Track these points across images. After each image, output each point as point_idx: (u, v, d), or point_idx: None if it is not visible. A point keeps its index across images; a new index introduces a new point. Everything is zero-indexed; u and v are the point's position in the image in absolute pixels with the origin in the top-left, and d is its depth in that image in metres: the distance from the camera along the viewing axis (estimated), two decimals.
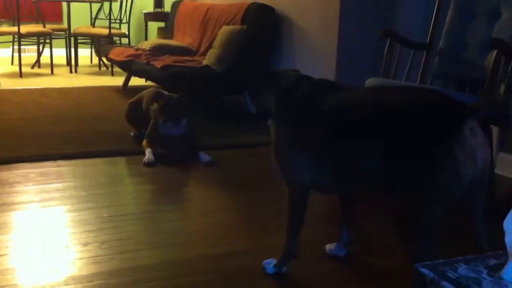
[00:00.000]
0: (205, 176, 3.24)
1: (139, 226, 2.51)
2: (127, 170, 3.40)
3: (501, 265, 1.25)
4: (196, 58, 5.18)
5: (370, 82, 3.12)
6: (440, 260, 1.25)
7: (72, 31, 7.14)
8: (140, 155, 3.45)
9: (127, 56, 5.36)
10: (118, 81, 6.10)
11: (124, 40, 7.65)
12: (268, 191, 3.01)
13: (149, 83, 5.70)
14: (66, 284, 1.92)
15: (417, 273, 1.21)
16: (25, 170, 3.17)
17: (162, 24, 7.48)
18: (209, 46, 5.11)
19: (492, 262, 1.28)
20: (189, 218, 2.64)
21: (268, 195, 2.95)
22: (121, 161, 3.47)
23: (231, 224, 2.56)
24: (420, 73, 3.37)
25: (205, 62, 4.88)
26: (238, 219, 2.64)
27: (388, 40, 3.27)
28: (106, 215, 2.55)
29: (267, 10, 4.82)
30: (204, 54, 5.17)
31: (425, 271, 1.21)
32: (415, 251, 1.55)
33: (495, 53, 2.68)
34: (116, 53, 5.63)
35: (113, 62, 5.97)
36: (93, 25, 7.58)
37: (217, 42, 4.91)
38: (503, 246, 1.25)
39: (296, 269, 2.07)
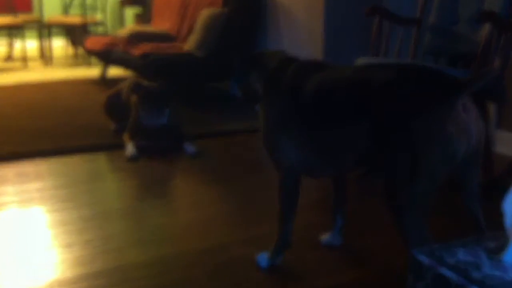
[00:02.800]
0: (190, 168, 3.24)
1: (123, 223, 2.50)
2: (108, 165, 3.38)
3: (501, 247, 1.25)
4: (177, 44, 5.15)
5: (359, 61, 3.12)
6: (436, 245, 1.25)
7: (44, 21, 7.06)
8: (120, 149, 3.43)
9: (103, 45, 5.32)
10: (95, 72, 6.04)
11: (101, 29, 7.58)
12: (256, 180, 3.01)
13: (128, 72, 5.66)
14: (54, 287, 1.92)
15: (413, 259, 1.21)
16: (1, 170, 3.14)
17: (139, 10, 7.41)
18: (190, 31, 5.08)
19: (491, 244, 1.28)
20: (175, 212, 2.64)
21: (256, 184, 2.95)
22: (101, 156, 3.45)
23: (219, 216, 2.56)
24: (411, 50, 3.36)
25: (185, 48, 4.85)
26: (226, 210, 2.64)
27: (377, 17, 3.26)
28: (88, 214, 2.54)
29: None
30: (184, 39, 5.13)
31: (421, 257, 1.21)
32: (405, 230, 1.56)
33: (487, 26, 2.69)
34: (92, 42, 5.58)
35: (90, 52, 5.91)
36: (66, 13, 7.49)
37: (197, 27, 4.88)
38: (502, 224, 1.26)
39: (288, 258, 2.08)
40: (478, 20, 2.79)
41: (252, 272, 2.02)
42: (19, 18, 6.89)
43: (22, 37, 6.92)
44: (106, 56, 5.31)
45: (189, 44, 4.84)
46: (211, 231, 2.38)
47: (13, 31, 7.11)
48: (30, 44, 7.34)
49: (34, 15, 7.45)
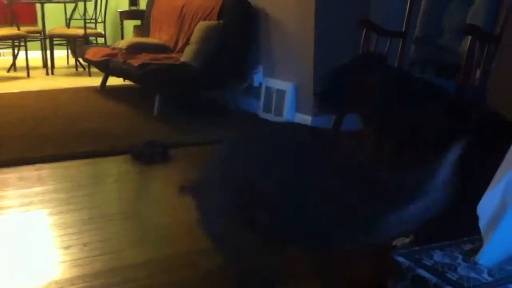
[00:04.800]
0: (190, 172, 3.25)
1: (122, 226, 2.51)
2: (108, 170, 3.39)
3: (476, 250, 1.27)
4: (173, 55, 5.17)
5: None
6: (415, 248, 1.27)
7: (47, 32, 7.07)
8: (120, 154, 3.45)
9: (103, 56, 5.33)
10: (95, 81, 6.05)
11: (100, 40, 7.59)
12: None
13: (128, 82, 5.68)
14: None
15: (392, 261, 1.23)
16: (3, 175, 3.15)
17: (138, 22, 7.44)
18: (186, 43, 5.10)
19: (468, 247, 1.31)
20: (173, 214, 2.65)
21: None
22: (101, 161, 3.46)
23: None
24: (397, 61, 3.40)
25: (182, 59, 4.87)
26: None
27: (364, 30, 3.30)
28: (87, 217, 2.55)
29: (243, 4, 4.81)
30: (181, 50, 5.16)
31: (400, 259, 1.23)
32: None
33: (470, 39, 2.73)
34: (93, 53, 5.60)
35: (90, 62, 5.93)
36: (68, 25, 7.51)
37: (194, 38, 4.90)
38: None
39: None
40: (462, 33, 2.84)
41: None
42: (23, 30, 6.90)
43: (26, 48, 6.92)
44: (106, 66, 5.32)
45: (186, 55, 4.87)
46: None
47: (17, 42, 7.12)
48: (33, 55, 7.34)
49: (38, 27, 7.46)
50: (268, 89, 4.63)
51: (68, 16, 7.54)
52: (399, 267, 1.24)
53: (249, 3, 4.81)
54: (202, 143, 3.82)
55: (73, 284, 1.95)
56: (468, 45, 2.71)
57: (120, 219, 2.58)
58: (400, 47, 3.39)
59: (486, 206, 1.24)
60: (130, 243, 2.31)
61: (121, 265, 2.10)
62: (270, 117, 4.55)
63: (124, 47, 5.31)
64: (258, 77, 4.81)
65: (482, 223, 1.25)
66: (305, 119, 4.22)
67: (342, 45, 4.12)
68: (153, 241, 2.34)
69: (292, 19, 4.35)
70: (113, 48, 5.51)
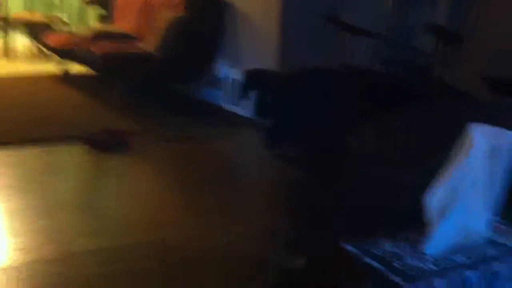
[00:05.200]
0: (149, 166, 3.20)
1: (75, 215, 2.45)
2: (62, 158, 3.31)
3: (423, 240, 1.28)
4: (138, 44, 5.09)
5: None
6: (365, 238, 1.27)
7: (8, 17, 6.90)
8: (76, 143, 3.37)
9: (65, 43, 5.22)
10: (57, 69, 5.92)
11: (63, 26, 7.44)
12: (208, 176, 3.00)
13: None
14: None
15: (341, 250, 1.23)
16: None
17: (102, 11, 7.31)
18: (151, 33, 5.03)
19: (416, 237, 1.30)
20: (129, 206, 2.61)
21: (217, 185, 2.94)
22: (56, 150, 3.36)
23: (175, 210, 2.54)
24: (371, 60, 3.39)
25: (146, 48, 4.80)
26: (183, 205, 2.62)
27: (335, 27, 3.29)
28: (39, 205, 2.49)
29: None
30: (145, 40, 5.08)
31: (349, 248, 1.23)
32: None
33: (434, 38, 2.77)
34: (55, 40, 5.47)
35: (51, 49, 5.79)
36: (29, 10, 7.33)
37: (158, 29, 4.84)
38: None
39: None
40: (429, 32, 2.88)
41: (201, 271, 2.00)
42: None
43: None
44: (67, 54, 5.21)
45: (150, 45, 4.80)
46: (165, 225, 2.35)
47: None
48: None
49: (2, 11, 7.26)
50: (233, 80, 4.60)
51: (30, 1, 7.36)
52: (347, 255, 1.24)
53: None
54: (163, 134, 3.78)
55: (19, 271, 1.90)
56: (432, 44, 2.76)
57: (74, 209, 2.52)
58: (372, 46, 3.38)
59: (435, 197, 1.25)
60: (84, 232, 2.26)
61: (72, 251, 2.05)
62: (234, 108, 4.52)
63: (87, 35, 5.21)
64: (222, 69, 4.78)
65: (429, 214, 1.25)
66: None
67: (308, 43, 4.11)
68: (107, 232, 2.29)
69: (258, 12, 4.33)
70: (76, 35, 5.41)
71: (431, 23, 3.06)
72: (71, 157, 3.27)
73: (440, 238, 1.24)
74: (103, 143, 3.36)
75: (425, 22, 3.18)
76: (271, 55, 4.17)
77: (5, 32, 7.01)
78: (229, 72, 4.69)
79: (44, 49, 6.72)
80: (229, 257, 2.06)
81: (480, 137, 1.23)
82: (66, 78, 5.59)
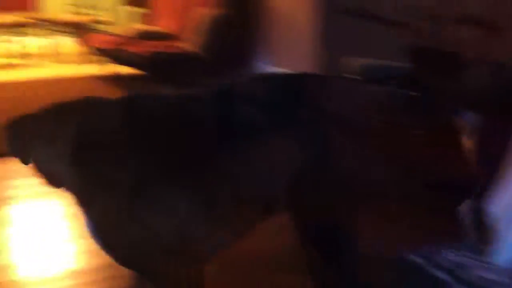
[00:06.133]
0: None
1: None
2: None
3: (488, 250, 1.28)
4: (178, 43, 5.16)
5: (344, 62, 3.14)
6: (428, 247, 1.28)
7: (54, 19, 7.05)
8: None
9: (109, 43, 5.32)
10: (103, 70, 6.03)
11: (106, 27, 7.56)
12: None
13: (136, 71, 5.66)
14: (69, 278, 1.95)
15: (403, 260, 1.24)
16: (18, 164, 3.15)
17: (144, 10, 7.40)
18: (191, 31, 5.09)
19: (480, 247, 1.31)
20: None
21: None
22: None
23: None
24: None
25: (186, 47, 4.87)
26: None
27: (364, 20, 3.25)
28: None
29: None
30: (185, 39, 5.15)
31: (413, 257, 1.25)
32: None
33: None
34: (98, 41, 5.58)
35: (96, 49, 5.90)
36: (73, 12, 7.48)
37: (199, 27, 4.90)
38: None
39: None
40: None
41: None
42: (29, 16, 6.88)
43: (33, 34, 6.91)
44: (111, 54, 5.31)
45: (190, 44, 4.87)
46: None
47: (23, 29, 7.10)
48: (39, 42, 7.31)
49: (41, 13, 7.43)
50: None
51: (72, 2, 7.51)
52: (410, 265, 1.26)
53: None
54: None
55: (88, 275, 1.97)
56: None
57: None
58: None
59: (501, 203, 1.23)
60: None
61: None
62: None
63: (129, 35, 5.30)
64: (261, 66, 4.81)
65: (493, 221, 1.25)
66: None
67: (347, 35, 4.09)
68: None
69: (297, 9, 4.34)
70: (119, 36, 5.50)
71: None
72: None
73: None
74: None
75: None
76: (310, 53, 4.17)
77: (51, 33, 7.18)
78: (267, 68, 4.72)
79: (89, 50, 6.86)
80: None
81: None
82: (115, 78, 5.68)
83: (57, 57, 6.96)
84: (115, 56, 5.25)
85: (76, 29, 7.48)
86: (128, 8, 7.39)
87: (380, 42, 3.29)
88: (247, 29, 4.85)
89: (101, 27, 7.52)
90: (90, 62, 6.86)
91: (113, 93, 3.84)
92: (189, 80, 4.86)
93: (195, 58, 4.69)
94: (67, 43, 7.74)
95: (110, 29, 7.48)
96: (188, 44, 4.96)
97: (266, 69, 4.74)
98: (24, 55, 6.97)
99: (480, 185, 2.52)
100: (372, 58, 3.30)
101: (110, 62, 5.71)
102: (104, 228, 1.41)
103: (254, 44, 4.88)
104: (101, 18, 7.26)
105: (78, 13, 7.30)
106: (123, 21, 7.69)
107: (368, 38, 3.31)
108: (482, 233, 1.29)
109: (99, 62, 6.60)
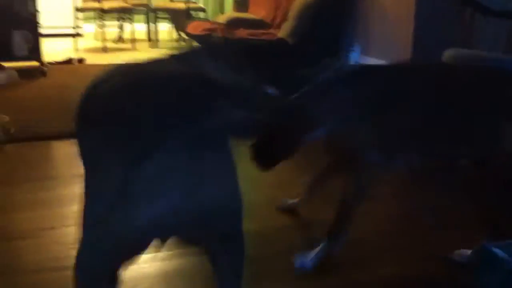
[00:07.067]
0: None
1: None
2: None
3: None
4: (271, 30, 5.17)
5: (449, 53, 3.01)
6: (510, 241, 1.20)
7: (151, 5, 7.29)
8: None
9: (203, 30, 5.42)
10: None
11: (201, 14, 7.73)
12: None
13: None
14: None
15: (484, 252, 1.17)
16: None
17: None
18: (284, 18, 5.08)
19: None
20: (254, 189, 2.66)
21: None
22: None
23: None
24: (503, 44, 3.20)
25: (279, 34, 4.85)
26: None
27: (468, 10, 3.12)
28: None
29: None
30: (278, 26, 5.14)
31: (496, 250, 1.17)
32: None
33: None
34: (193, 27, 5.70)
35: (190, 36, 6.05)
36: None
37: (291, 15, 4.87)
38: None
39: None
40: None
41: None
42: (129, 3, 7.16)
43: (131, 20, 7.19)
44: (206, 41, 5.41)
45: (283, 31, 4.85)
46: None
47: (123, 14, 7.40)
48: (138, 27, 7.60)
49: (143, 0, 7.71)
50: None
51: None
52: (494, 259, 1.18)
53: None
54: None
55: None
56: None
57: None
58: (508, 29, 3.19)
59: None
60: None
61: None
62: None
63: (223, 22, 5.37)
64: (354, 56, 4.71)
65: None
66: None
67: (444, 22, 3.93)
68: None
69: None
70: (213, 23, 5.59)
71: None
72: None
73: None
74: None
75: None
76: (405, 38, 4.03)
77: (148, 19, 7.44)
78: (360, 58, 4.62)
79: (184, 36, 7.04)
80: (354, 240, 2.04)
81: None
82: None
83: (155, 42, 7.20)
84: (208, 41, 5.34)
85: (174, 15, 7.71)
86: None
87: (486, 34, 3.15)
88: (340, 18, 4.76)
89: (197, 14, 7.69)
90: (185, 47, 7.05)
91: None
92: (276, 67, 4.87)
93: (284, 46, 4.66)
94: (165, 29, 8.01)
95: (205, 16, 7.65)
96: (278, 32, 4.95)
97: (358, 60, 4.64)
98: (127, 40, 7.28)
99: None
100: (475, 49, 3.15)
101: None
102: None
103: (348, 33, 4.78)
104: (197, 5, 7.42)
105: (176, 1, 7.49)
106: (218, 9, 7.82)
107: (471, 29, 3.14)
108: None
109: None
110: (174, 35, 7.78)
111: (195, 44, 6.07)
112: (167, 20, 8.04)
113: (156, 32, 7.24)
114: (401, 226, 2.23)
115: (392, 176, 2.50)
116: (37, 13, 5.09)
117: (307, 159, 2.15)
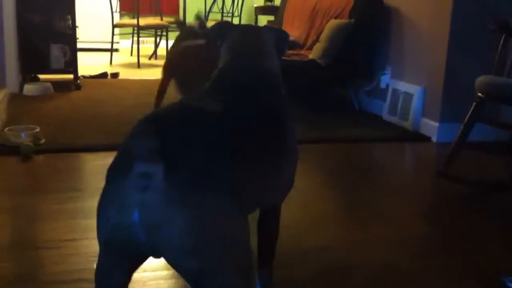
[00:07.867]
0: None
1: None
2: None
3: None
4: (302, 51, 5.16)
5: (481, 80, 2.96)
6: None
7: (186, 24, 7.38)
8: None
9: None
10: None
11: None
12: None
13: None
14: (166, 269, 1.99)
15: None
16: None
17: (271, 18, 7.53)
18: (316, 40, 5.07)
19: None
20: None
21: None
22: None
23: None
24: None
25: (310, 56, 4.85)
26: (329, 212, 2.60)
27: (503, 36, 3.06)
28: None
29: (376, 3, 4.69)
30: (310, 47, 5.14)
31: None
32: None
33: None
34: None
35: None
36: (206, 18, 7.77)
37: (323, 36, 4.86)
38: None
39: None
40: None
41: None
42: (165, 20, 7.26)
43: (167, 37, 7.28)
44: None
45: (314, 53, 4.84)
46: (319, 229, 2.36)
47: (159, 31, 7.50)
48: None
49: (179, 18, 7.82)
50: (394, 91, 4.47)
51: (207, 9, 7.82)
52: None
53: (382, 1, 4.68)
54: (322, 140, 3.80)
55: None
56: None
57: None
58: None
59: None
60: None
61: None
62: (395, 120, 4.40)
63: None
64: (385, 78, 4.67)
65: None
66: (432, 125, 4.02)
67: (477, 50, 3.88)
68: None
69: (426, 18, 4.16)
70: None
71: None
72: None
73: None
74: None
75: None
76: (438, 63, 3.97)
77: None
78: (391, 81, 4.57)
79: None
80: (385, 265, 2.00)
81: None
82: None
83: None
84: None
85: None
86: (261, 16, 7.55)
87: None
88: (372, 40, 4.74)
89: None
90: None
91: None
92: (307, 88, 4.86)
93: (314, 67, 4.66)
94: None
95: None
96: (310, 53, 4.94)
97: (389, 82, 4.59)
98: (160, 57, 7.37)
99: None
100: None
101: None
102: None
103: (381, 56, 4.75)
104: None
105: (210, 19, 7.57)
106: None
107: (505, 57, 3.09)
108: None
109: None
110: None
111: None
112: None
113: None
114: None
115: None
116: (75, 28, 5.21)
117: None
